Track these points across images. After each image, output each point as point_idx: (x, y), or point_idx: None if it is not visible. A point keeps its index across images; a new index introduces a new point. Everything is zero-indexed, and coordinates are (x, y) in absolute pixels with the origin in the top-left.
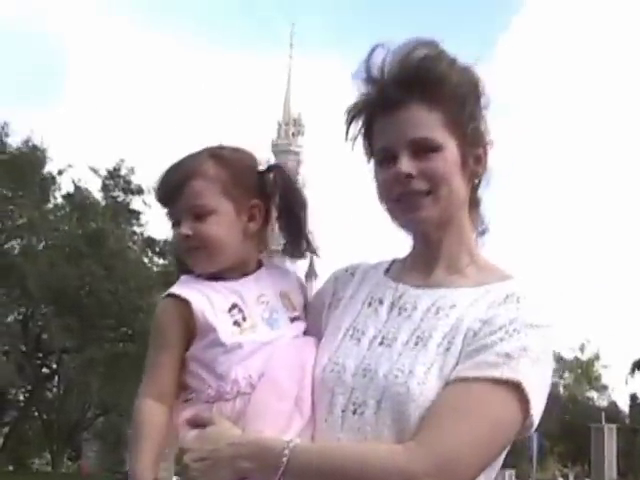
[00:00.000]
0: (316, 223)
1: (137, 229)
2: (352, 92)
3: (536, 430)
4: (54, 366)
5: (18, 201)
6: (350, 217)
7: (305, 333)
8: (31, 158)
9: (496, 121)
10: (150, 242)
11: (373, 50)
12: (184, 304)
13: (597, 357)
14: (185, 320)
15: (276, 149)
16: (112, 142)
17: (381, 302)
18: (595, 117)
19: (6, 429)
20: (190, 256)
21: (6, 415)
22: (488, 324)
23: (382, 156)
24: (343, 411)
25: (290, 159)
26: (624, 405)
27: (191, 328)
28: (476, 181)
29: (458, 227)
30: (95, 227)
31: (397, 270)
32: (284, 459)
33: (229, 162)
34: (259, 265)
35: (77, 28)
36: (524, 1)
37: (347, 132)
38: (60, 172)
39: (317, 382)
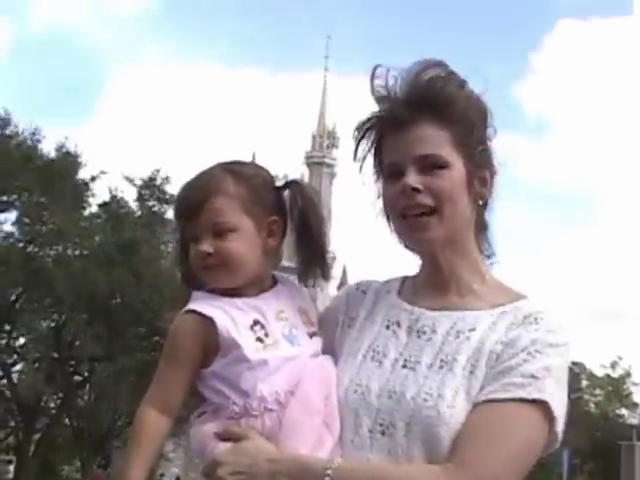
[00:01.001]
0: (346, 235)
1: (172, 238)
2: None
3: (566, 447)
4: (86, 374)
5: (51, 208)
6: (384, 230)
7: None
8: (64, 165)
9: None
10: None
11: (375, 70)
12: (206, 321)
13: (628, 374)
14: (204, 337)
15: (310, 161)
16: (147, 153)
17: (399, 325)
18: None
19: (37, 436)
20: (209, 273)
21: (37, 422)
22: (510, 346)
23: (390, 171)
24: (370, 432)
25: (324, 171)
26: None
27: (210, 345)
28: (481, 203)
29: (463, 247)
30: (129, 236)
31: (409, 291)
32: (326, 479)
33: (248, 178)
34: (274, 281)
35: (118, 42)
36: (556, 20)
37: (356, 150)
38: (93, 178)
39: (340, 403)
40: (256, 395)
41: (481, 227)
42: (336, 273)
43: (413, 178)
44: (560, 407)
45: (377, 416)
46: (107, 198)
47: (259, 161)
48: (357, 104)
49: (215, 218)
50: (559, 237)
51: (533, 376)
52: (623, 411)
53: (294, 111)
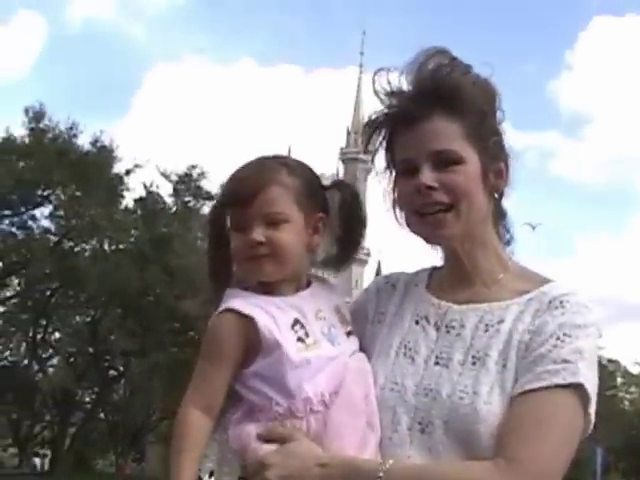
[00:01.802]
0: (381, 232)
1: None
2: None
3: (600, 445)
4: (121, 369)
5: (86, 201)
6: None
7: None
8: (99, 159)
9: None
10: None
11: (376, 73)
12: (247, 320)
13: None
14: (245, 336)
15: (344, 157)
16: (183, 149)
17: (427, 320)
18: None
19: (72, 430)
20: (254, 263)
21: (73, 416)
22: (537, 334)
23: (403, 168)
24: (409, 429)
25: (359, 167)
26: None
27: (251, 344)
28: (496, 195)
29: (483, 239)
30: (163, 231)
31: (437, 284)
32: None
33: (301, 172)
34: (308, 280)
35: (153, 39)
36: (591, 17)
37: (366, 146)
38: (128, 172)
39: (377, 401)
40: (301, 396)
41: (499, 216)
42: (371, 269)
43: (428, 176)
44: (594, 388)
45: (415, 414)
46: (143, 193)
47: (295, 156)
48: None
49: (270, 207)
50: (595, 235)
51: (565, 360)
52: None
53: (329, 107)
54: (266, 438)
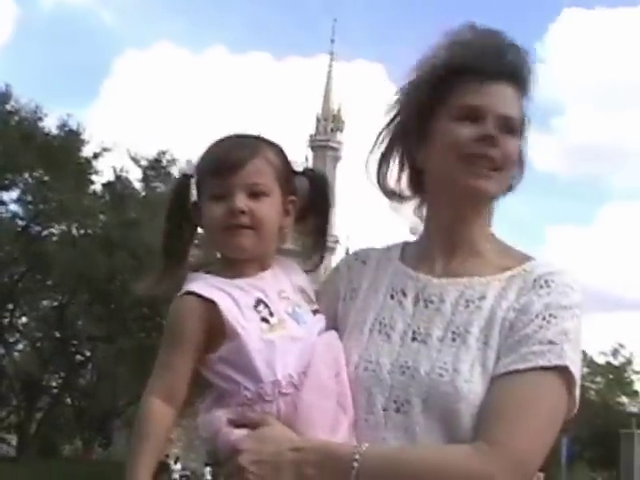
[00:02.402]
0: (349, 219)
1: None
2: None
3: (566, 435)
4: (88, 354)
5: (54, 186)
6: (385, 213)
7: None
8: (66, 142)
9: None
10: None
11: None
12: (207, 304)
13: (629, 362)
14: (206, 321)
15: (314, 144)
16: (153, 136)
17: (404, 294)
18: None
19: (39, 415)
20: (234, 233)
21: (39, 401)
22: (523, 312)
23: (465, 114)
24: (385, 410)
25: (328, 155)
26: None
27: (214, 328)
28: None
29: (489, 208)
30: (131, 217)
31: (413, 257)
32: (355, 464)
33: (280, 152)
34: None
35: (123, 24)
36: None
37: (421, 81)
38: (96, 155)
39: (351, 381)
40: (269, 379)
41: None
42: (340, 256)
43: (495, 130)
44: (578, 370)
45: (391, 393)
46: (112, 178)
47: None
48: (362, 88)
49: (255, 178)
50: (564, 226)
51: (551, 342)
52: (624, 399)
53: (299, 95)
54: (237, 423)
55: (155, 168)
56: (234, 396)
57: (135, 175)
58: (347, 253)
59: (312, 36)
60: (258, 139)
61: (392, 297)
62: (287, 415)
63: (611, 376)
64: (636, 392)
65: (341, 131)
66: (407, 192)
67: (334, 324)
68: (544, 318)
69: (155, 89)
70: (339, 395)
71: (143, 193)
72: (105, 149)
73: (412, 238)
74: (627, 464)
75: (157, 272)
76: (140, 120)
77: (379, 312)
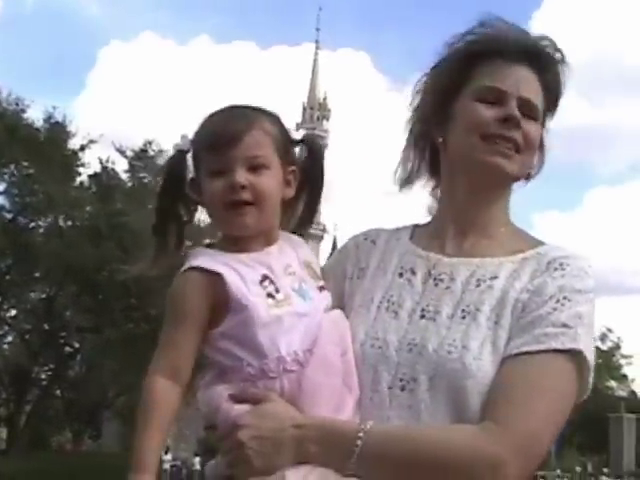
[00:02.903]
0: (336, 208)
1: None
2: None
3: None
4: (77, 345)
5: (41, 178)
6: (372, 202)
7: None
8: (52, 134)
9: None
10: None
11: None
12: (213, 278)
13: (618, 347)
14: (211, 295)
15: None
16: (139, 127)
17: (413, 272)
18: None
19: (28, 407)
20: (235, 210)
21: (29, 393)
22: (537, 294)
23: (489, 95)
24: (390, 388)
25: None
26: None
27: (218, 304)
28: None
29: (509, 190)
30: (118, 208)
31: (423, 237)
32: (358, 442)
33: (278, 122)
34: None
35: (109, 15)
36: None
37: (446, 63)
38: (82, 147)
39: (357, 359)
40: (273, 356)
41: None
42: (327, 245)
43: (517, 112)
44: (591, 355)
45: (397, 371)
46: (98, 169)
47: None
48: (348, 76)
49: (254, 151)
50: (549, 212)
51: (565, 325)
52: (612, 383)
53: (285, 83)
54: (238, 399)
55: (141, 158)
56: (237, 372)
57: (122, 166)
58: (335, 241)
59: (297, 25)
60: (254, 109)
61: (401, 275)
62: (291, 393)
63: (600, 360)
64: (625, 376)
65: (327, 119)
66: (423, 174)
67: (340, 303)
68: (558, 300)
69: (141, 80)
70: (345, 374)
71: (130, 184)
72: (92, 141)
73: (421, 220)
74: (617, 448)
75: (152, 253)
76: (127, 111)
77: (387, 290)
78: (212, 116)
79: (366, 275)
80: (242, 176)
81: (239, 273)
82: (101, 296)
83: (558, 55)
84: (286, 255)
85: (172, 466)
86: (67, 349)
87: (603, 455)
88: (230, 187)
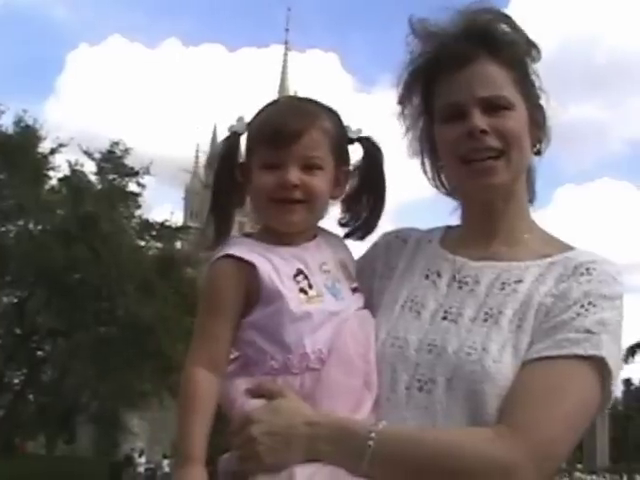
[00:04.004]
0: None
1: (136, 212)
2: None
3: None
4: (49, 349)
5: (11, 183)
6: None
7: None
8: (23, 139)
9: None
10: (147, 225)
11: (412, 17)
12: (246, 267)
13: None
14: (245, 284)
15: None
16: (110, 130)
17: (439, 275)
18: None
19: (1, 412)
20: (285, 206)
21: (1, 398)
22: (561, 299)
23: (449, 113)
24: (407, 388)
25: None
26: (617, 391)
27: (250, 293)
28: (537, 147)
29: (519, 196)
30: (88, 210)
31: (452, 241)
32: (370, 443)
33: (337, 120)
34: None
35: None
36: None
37: (403, 94)
38: (53, 151)
39: (377, 357)
40: (298, 352)
41: (528, 170)
42: None
43: (480, 119)
44: (616, 365)
45: (415, 371)
46: (68, 172)
47: (220, 135)
48: (317, 76)
49: (310, 151)
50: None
51: (588, 331)
52: None
53: (254, 84)
54: (254, 394)
55: (109, 160)
56: (260, 365)
57: (90, 168)
58: None
59: (265, 27)
60: (316, 104)
61: (427, 277)
62: (310, 390)
63: None
64: None
65: None
66: (442, 189)
67: (369, 301)
68: (582, 306)
69: (110, 83)
70: (366, 374)
71: (99, 186)
72: (62, 145)
73: (454, 223)
74: (590, 445)
75: (210, 234)
76: (96, 114)
77: (412, 291)
78: (274, 107)
79: (394, 275)
80: (295, 175)
81: (273, 265)
82: (72, 299)
83: (504, 26)
84: (323, 253)
85: (147, 469)
86: (39, 353)
87: (577, 451)
88: (282, 184)
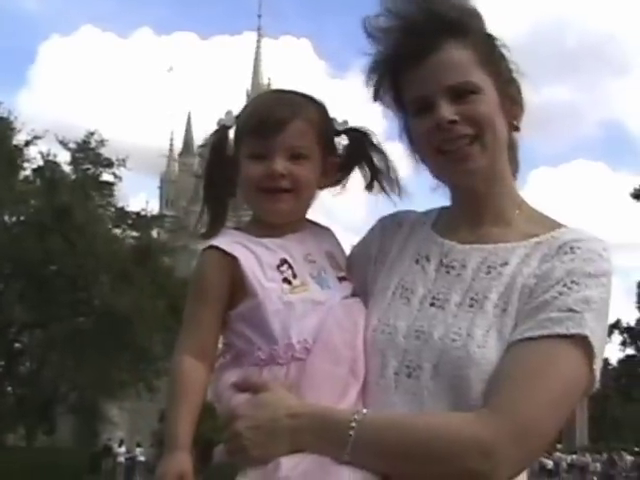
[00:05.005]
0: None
1: (111, 201)
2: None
3: None
4: (26, 341)
5: None
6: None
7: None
8: None
9: None
10: (122, 215)
11: (365, 19)
12: (230, 259)
13: None
14: (229, 276)
15: None
16: (84, 120)
17: (428, 259)
18: None
19: None
20: (272, 196)
21: None
22: (544, 279)
23: (417, 107)
24: (396, 374)
25: None
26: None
27: (236, 285)
28: (515, 122)
29: (501, 175)
30: (63, 201)
31: (443, 224)
32: (351, 432)
33: (323, 111)
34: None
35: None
36: None
37: (376, 92)
38: (27, 143)
39: (367, 344)
40: (284, 342)
41: (511, 147)
42: None
43: (447, 109)
44: (600, 344)
45: (404, 358)
46: (41, 163)
47: (194, 122)
48: (291, 62)
49: (296, 140)
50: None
51: (571, 309)
52: None
53: (228, 71)
54: (240, 388)
55: (84, 150)
56: (248, 356)
57: (64, 159)
58: None
59: (238, 14)
60: (302, 96)
61: (417, 262)
62: (297, 380)
63: None
64: None
65: None
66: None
67: (364, 288)
68: (565, 285)
69: (83, 74)
70: (352, 361)
71: (73, 176)
72: (37, 137)
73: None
74: (568, 425)
75: (207, 225)
76: (69, 105)
77: (403, 277)
78: (260, 98)
79: (387, 260)
80: (282, 164)
81: (257, 256)
82: (48, 291)
83: (463, 13)
84: (309, 243)
85: (127, 459)
86: (17, 345)
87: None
88: (268, 174)
